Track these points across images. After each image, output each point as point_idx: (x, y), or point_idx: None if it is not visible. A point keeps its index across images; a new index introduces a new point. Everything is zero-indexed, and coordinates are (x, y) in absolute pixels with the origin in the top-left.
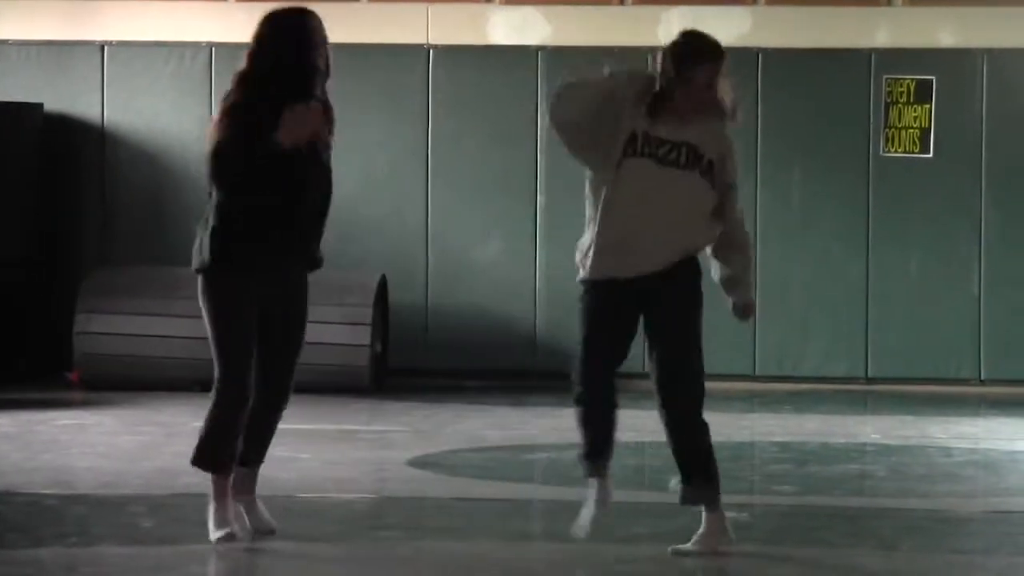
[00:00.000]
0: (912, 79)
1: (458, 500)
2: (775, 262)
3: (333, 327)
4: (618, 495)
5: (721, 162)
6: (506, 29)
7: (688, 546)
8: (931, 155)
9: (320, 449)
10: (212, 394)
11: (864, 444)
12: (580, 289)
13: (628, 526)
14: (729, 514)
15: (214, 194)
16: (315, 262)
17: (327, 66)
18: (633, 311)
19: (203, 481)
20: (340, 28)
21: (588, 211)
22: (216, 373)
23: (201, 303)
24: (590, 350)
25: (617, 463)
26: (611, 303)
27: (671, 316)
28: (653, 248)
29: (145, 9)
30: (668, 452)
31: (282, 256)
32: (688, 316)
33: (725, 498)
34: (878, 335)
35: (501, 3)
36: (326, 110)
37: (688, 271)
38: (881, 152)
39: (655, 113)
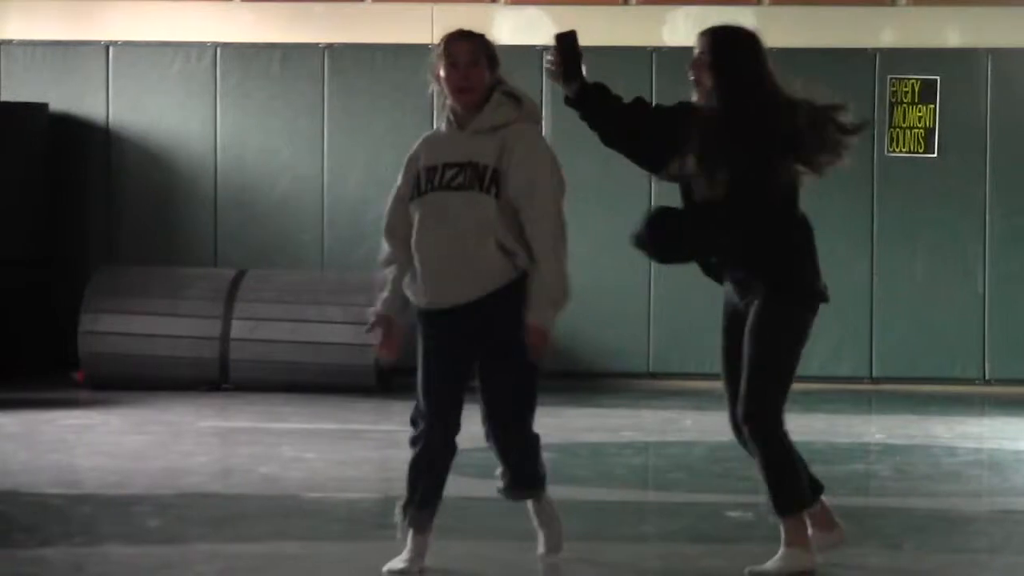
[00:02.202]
0: (916, 79)
1: (462, 499)
2: None
3: (339, 327)
4: (622, 495)
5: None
6: (511, 29)
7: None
8: (935, 155)
9: (326, 448)
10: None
11: (869, 444)
12: None
13: (633, 525)
14: (734, 514)
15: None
16: None
17: None
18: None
19: (207, 480)
20: (345, 28)
21: None
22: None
23: (778, 332)
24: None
25: (620, 463)
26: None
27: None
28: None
29: (150, 9)
30: (669, 452)
31: None
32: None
33: (731, 497)
34: (883, 335)
35: (506, 3)
36: None
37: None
38: (885, 152)
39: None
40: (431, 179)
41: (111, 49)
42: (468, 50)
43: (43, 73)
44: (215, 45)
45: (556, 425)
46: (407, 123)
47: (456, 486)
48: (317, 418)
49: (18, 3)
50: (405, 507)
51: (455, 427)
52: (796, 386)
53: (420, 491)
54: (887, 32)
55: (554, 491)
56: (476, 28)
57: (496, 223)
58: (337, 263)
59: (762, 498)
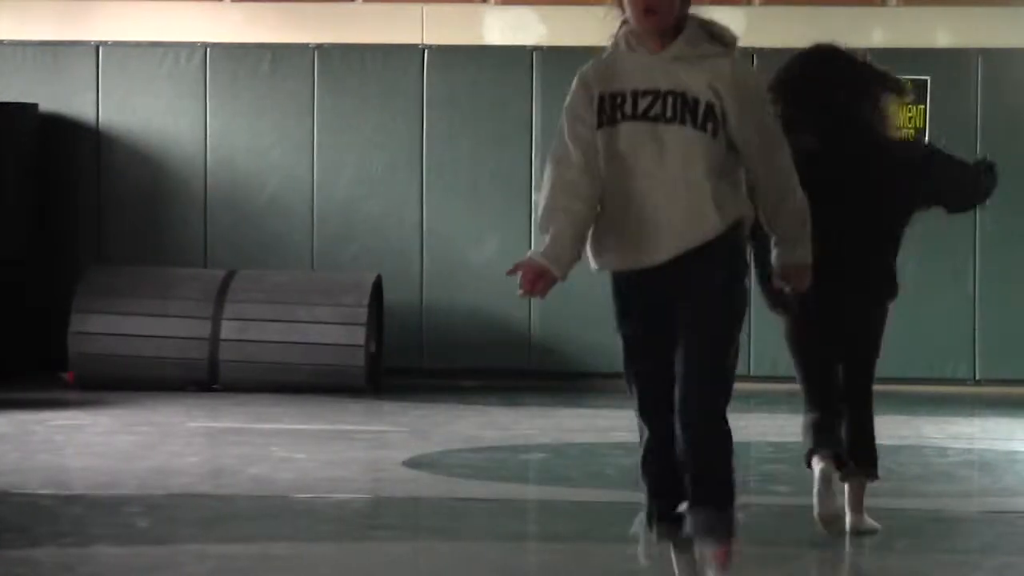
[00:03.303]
0: (907, 79)
1: (454, 500)
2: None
3: (328, 327)
4: (613, 495)
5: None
6: (501, 29)
7: None
8: None
9: (315, 449)
10: None
11: None
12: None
13: (624, 526)
14: None
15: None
16: None
17: None
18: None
19: (197, 481)
20: (335, 28)
21: None
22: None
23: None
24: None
25: (611, 463)
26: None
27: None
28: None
29: (140, 9)
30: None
31: None
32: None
33: None
34: None
35: (496, 3)
36: None
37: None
38: None
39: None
40: (620, 107)
41: (101, 49)
42: None
43: (33, 73)
44: (205, 45)
45: (548, 426)
46: (397, 123)
47: (452, 486)
48: (307, 418)
49: (8, 3)
50: (649, 519)
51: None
52: (787, 388)
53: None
54: (877, 32)
55: (544, 491)
56: (465, 28)
57: (712, 164)
58: (327, 263)
59: (754, 498)
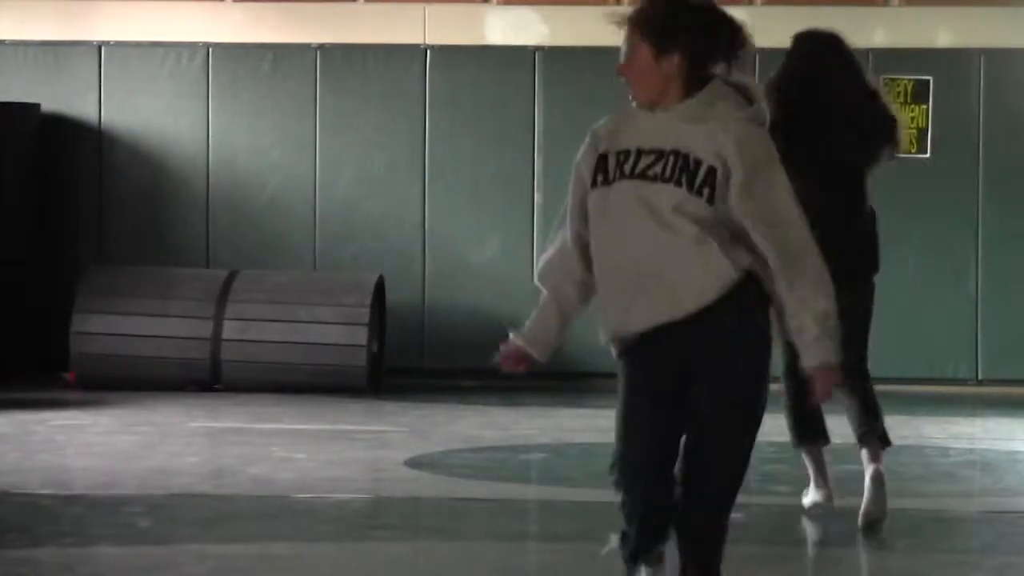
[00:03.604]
0: (909, 79)
1: (454, 500)
2: None
3: (330, 327)
4: (613, 495)
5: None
6: (503, 29)
7: None
8: (928, 155)
9: (316, 449)
10: None
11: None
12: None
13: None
14: None
15: None
16: None
17: None
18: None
19: (198, 481)
20: (336, 28)
21: None
22: None
23: None
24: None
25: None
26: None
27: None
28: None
29: (141, 9)
30: None
31: None
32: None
33: None
34: (875, 335)
35: (498, 3)
36: None
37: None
38: None
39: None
40: (621, 165)
41: (103, 49)
42: (627, 44)
43: (35, 73)
44: (206, 45)
45: (547, 425)
46: (398, 123)
47: (453, 486)
48: (307, 419)
49: (10, 3)
50: (630, 553)
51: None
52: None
53: (634, 537)
54: (880, 32)
55: (545, 491)
56: (467, 28)
57: (706, 228)
58: (328, 263)
59: (755, 498)
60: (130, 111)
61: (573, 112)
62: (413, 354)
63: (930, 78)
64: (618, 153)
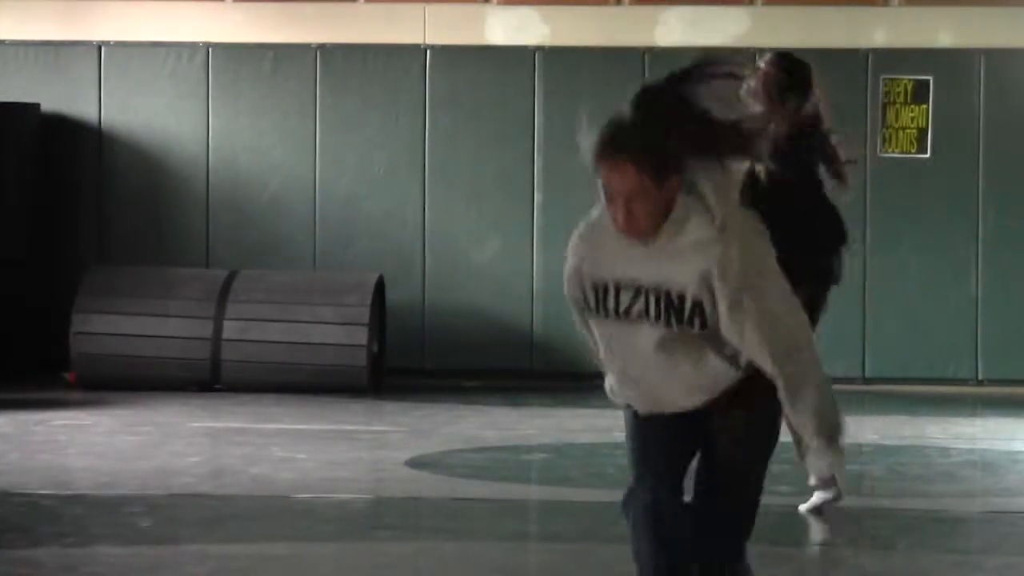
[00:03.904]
0: (909, 79)
1: (455, 500)
2: None
3: (330, 327)
4: (614, 495)
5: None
6: (503, 29)
7: None
8: (928, 155)
9: (317, 449)
10: None
11: (862, 444)
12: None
13: (625, 526)
14: None
15: None
16: None
17: None
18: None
19: (199, 481)
20: (337, 28)
21: None
22: None
23: None
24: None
25: (612, 463)
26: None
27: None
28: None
29: (142, 9)
30: None
31: None
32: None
33: None
34: (876, 335)
35: (498, 3)
36: None
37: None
38: (878, 152)
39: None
40: (603, 301)
41: (103, 49)
42: (624, 182)
43: (35, 73)
44: (207, 45)
45: (549, 426)
46: (399, 123)
47: (453, 486)
48: (308, 419)
49: (10, 3)
50: None
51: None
52: None
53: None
54: (880, 32)
55: (546, 491)
56: (468, 28)
57: (705, 351)
58: (329, 263)
59: None
60: (130, 111)
61: (573, 112)
62: (414, 354)
63: (930, 78)
64: (594, 285)
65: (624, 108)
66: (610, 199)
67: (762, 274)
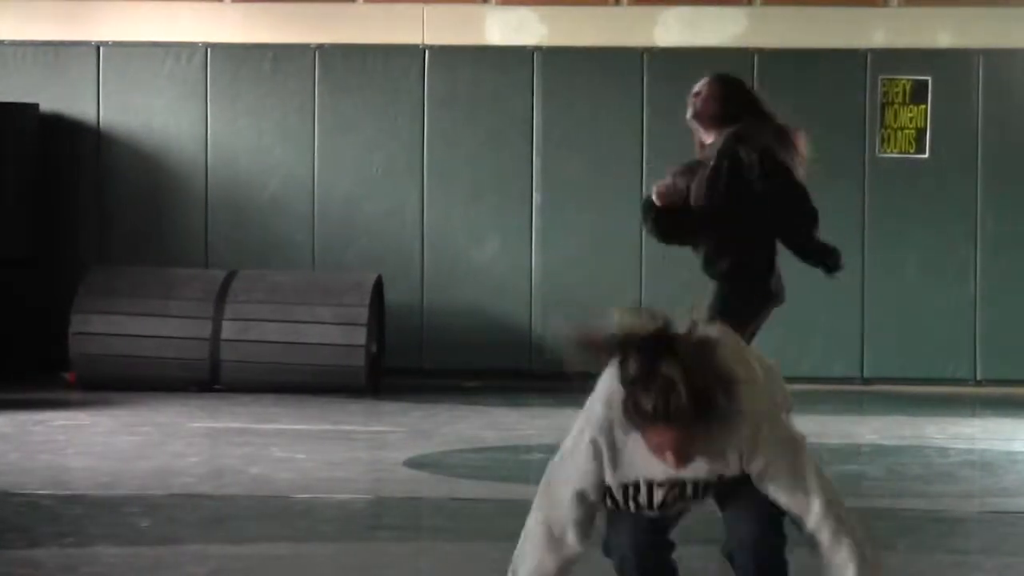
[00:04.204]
0: (908, 79)
1: (454, 500)
2: None
3: (329, 327)
4: None
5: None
6: (502, 29)
7: None
8: (927, 155)
9: (316, 449)
10: None
11: (860, 444)
12: None
13: None
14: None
15: None
16: None
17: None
18: None
19: (198, 481)
20: (336, 28)
21: None
22: None
23: None
24: None
25: None
26: None
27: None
28: None
29: (140, 10)
30: None
31: None
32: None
33: None
34: (874, 336)
35: (497, 4)
36: None
37: None
38: (877, 153)
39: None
40: (634, 497)
41: (102, 49)
42: (678, 441)
43: (34, 73)
44: (206, 46)
45: (547, 425)
46: (398, 123)
47: (453, 486)
48: (307, 419)
49: (9, 3)
50: None
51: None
52: (788, 386)
53: None
54: (878, 33)
55: None
56: (466, 28)
57: None
58: (328, 263)
59: None
60: (129, 111)
61: (572, 112)
62: (412, 354)
63: (929, 79)
64: (622, 485)
65: (655, 368)
66: (658, 450)
67: (790, 450)
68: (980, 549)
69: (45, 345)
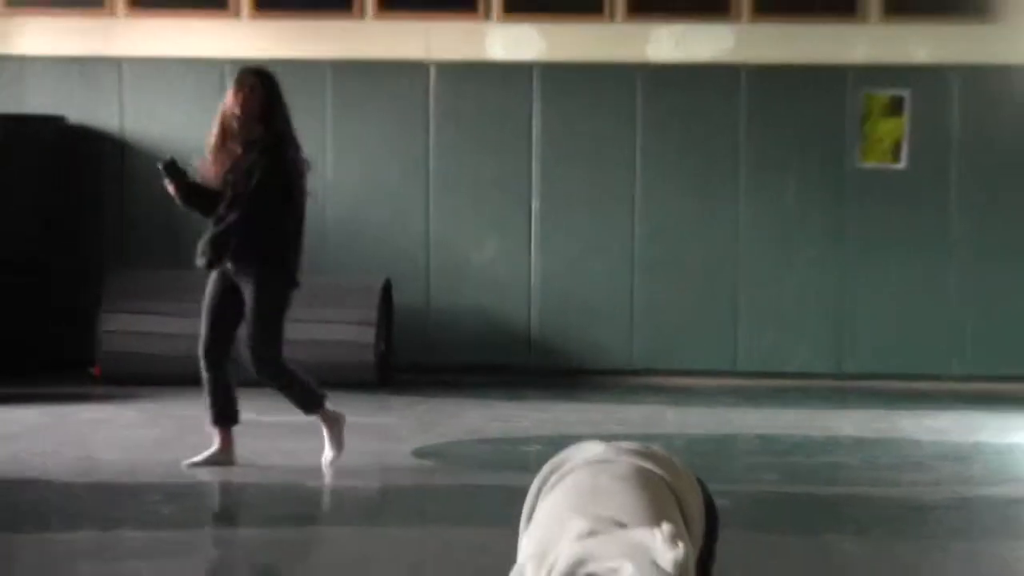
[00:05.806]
0: (887, 94)
1: (460, 488)
2: (758, 264)
3: (341, 326)
4: None
5: None
6: (503, 46)
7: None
8: (903, 166)
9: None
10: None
11: (839, 437)
12: None
13: None
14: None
15: None
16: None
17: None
18: None
19: (216, 471)
20: (345, 44)
21: None
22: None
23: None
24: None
25: None
26: None
27: None
28: None
29: (161, 27)
30: (651, 444)
31: None
32: None
33: (710, 487)
34: (855, 336)
35: (498, 21)
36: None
37: None
38: (856, 163)
39: None
40: None
41: (125, 65)
42: None
43: (60, 87)
44: (223, 61)
45: (543, 420)
46: (404, 136)
47: (458, 475)
48: None
49: (38, 21)
50: None
51: None
52: (773, 383)
53: None
54: (859, 48)
55: None
56: (469, 45)
57: None
58: (339, 268)
59: (738, 486)
60: (151, 124)
61: (569, 123)
62: (419, 352)
63: (906, 93)
64: None
65: None
66: None
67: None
68: (949, 533)
69: (71, 343)
